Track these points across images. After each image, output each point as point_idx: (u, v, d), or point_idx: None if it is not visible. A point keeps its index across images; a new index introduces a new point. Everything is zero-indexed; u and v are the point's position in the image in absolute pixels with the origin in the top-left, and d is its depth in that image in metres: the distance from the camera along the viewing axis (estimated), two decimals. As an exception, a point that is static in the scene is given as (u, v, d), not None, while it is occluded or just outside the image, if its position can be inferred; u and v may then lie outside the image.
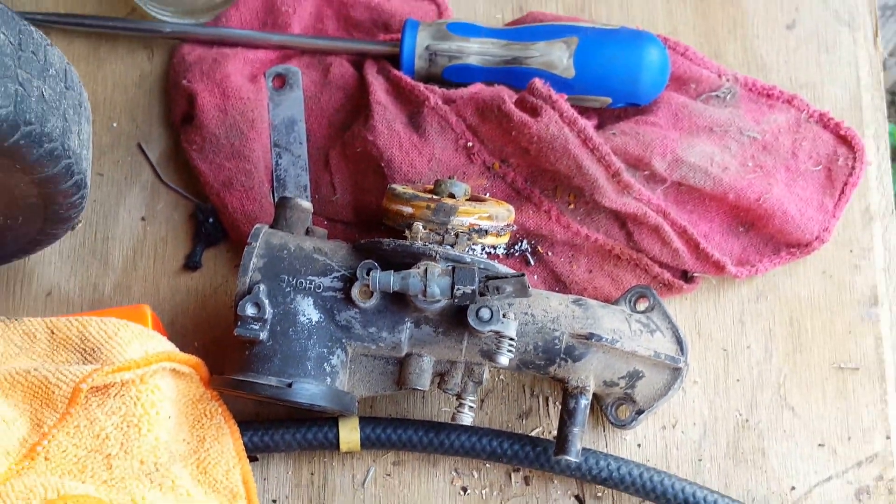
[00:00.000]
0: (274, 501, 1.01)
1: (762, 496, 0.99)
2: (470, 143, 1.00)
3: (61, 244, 1.02)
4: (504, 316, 0.89)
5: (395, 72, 1.03)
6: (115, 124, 1.07)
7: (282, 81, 1.05)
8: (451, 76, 1.03)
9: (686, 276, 1.02)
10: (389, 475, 1.01)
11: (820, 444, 1.00)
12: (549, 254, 1.01)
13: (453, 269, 0.89)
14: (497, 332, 0.89)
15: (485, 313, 0.88)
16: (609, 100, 1.01)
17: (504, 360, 0.90)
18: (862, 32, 1.08)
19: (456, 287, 0.88)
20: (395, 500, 1.00)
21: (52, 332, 0.94)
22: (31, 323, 0.95)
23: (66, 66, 0.86)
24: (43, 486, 0.85)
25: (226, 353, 0.96)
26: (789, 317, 1.03)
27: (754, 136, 1.01)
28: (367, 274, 0.90)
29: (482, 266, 0.89)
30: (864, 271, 1.03)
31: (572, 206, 1.00)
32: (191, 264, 1.05)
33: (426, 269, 0.89)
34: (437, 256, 0.89)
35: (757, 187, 1.00)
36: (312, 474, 1.01)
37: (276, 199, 1.02)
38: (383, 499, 1.00)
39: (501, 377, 1.02)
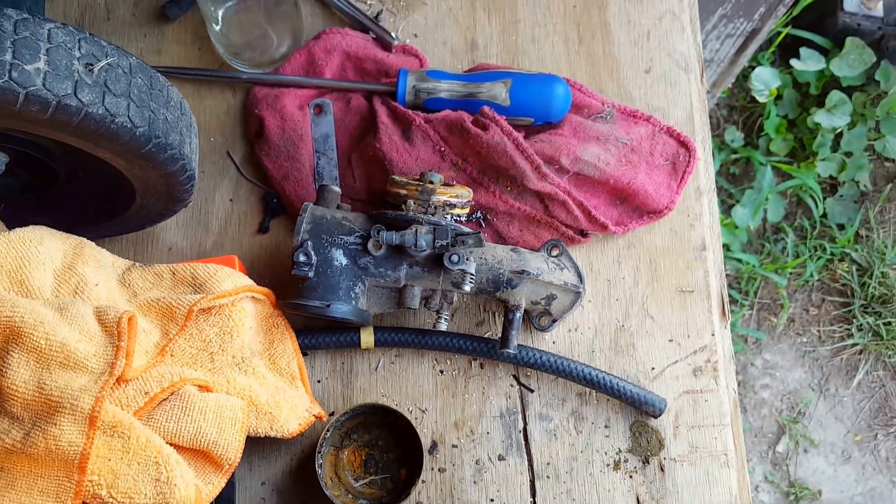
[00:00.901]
0: (318, 381, 1.02)
1: (633, 374, 1.01)
2: (442, 149, 1.02)
3: (178, 217, 1.03)
4: (467, 259, 0.92)
5: (393, 103, 1.04)
6: (212, 139, 1.08)
7: (319, 109, 1.06)
8: (430, 105, 1.03)
9: (583, 234, 1.03)
10: (393, 363, 1.02)
11: (670, 340, 1.02)
12: (495, 220, 1.03)
13: (434, 229, 0.91)
14: (463, 270, 0.92)
15: (454, 258, 0.91)
16: (532, 120, 1.02)
17: (467, 287, 0.93)
18: (694, 75, 1.09)
19: (436, 240, 0.91)
20: (397, 379, 1.02)
21: (174, 273, 0.96)
22: (159, 267, 0.97)
23: (181, 100, 0.87)
24: (170, 373, 0.87)
25: (285, 287, 0.99)
26: (649, 258, 1.04)
27: (625, 142, 1.02)
28: (378, 233, 0.92)
29: (453, 227, 0.91)
30: (696, 228, 1.05)
31: (509, 188, 1.01)
32: (262, 229, 1.06)
33: (416, 230, 0.91)
34: (423, 221, 0.92)
35: (628, 175, 1.01)
36: (343, 364, 1.03)
37: (317, 187, 1.03)
38: (389, 378, 1.02)
39: (465, 301, 1.03)
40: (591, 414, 1.01)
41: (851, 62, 1.92)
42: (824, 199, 2.00)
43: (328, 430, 0.96)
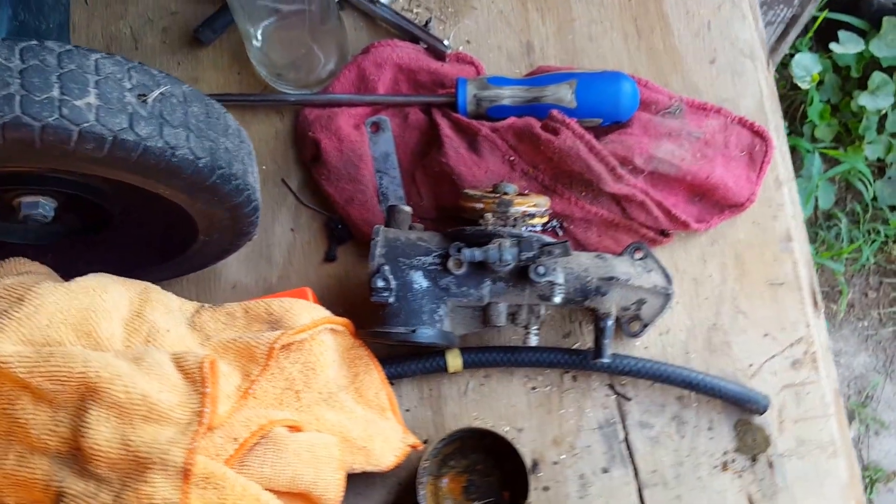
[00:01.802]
0: (408, 410, 0.99)
1: (731, 372, 0.98)
2: (512, 158, 0.98)
3: (238, 252, 0.99)
4: (553, 270, 0.88)
5: (455, 114, 1.00)
6: (263, 167, 1.04)
7: (377, 127, 1.03)
8: (493, 113, 1.00)
9: (664, 234, 1.00)
10: (482, 385, 0.99)
11: (765, 335, 0.99)
12: (572, 227, 0.99)
13: (519, 241, 0.88)
14: (551, 282, 0.88)
15: (541, 270, 0.87)
16: (600, 120, 0.99)
17: (557, 299, 0.89)
18: (760, 62, 1.05)
19: (522, 253, 0.87)
20: (488, 401, 0.99)
21: (247, 311, 0.92)
22: (230, 307, 0.93)
23: (238, 127, 0.84)
24: (257, 416, 0.83)
25: (362, 317, 0.94)
26: (735, 254, 1.01)
27: (698, 136, 0.99)
28: (458, 251, 0.88)
29: (537, 238, 0.88)
30: (779, 219, 1.01)
31: (584, 193, 0.97)
32: (329, 257, 1.02)
33: (500, 244, 0.87)
34: (504, 234, 0.88)
35: (705, 170, 0.98)
36: (431, 390, 0.99)
37: (383, 208, 1.00)
38: (480, 401, 0.99)
39: (551, 313, 1.00)
40: (692, 417, 0.97)
41: (890, 42, 1.89)
42: (873, 181, 1.97)
43: (426, 460, 0.92)
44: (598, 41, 1.07)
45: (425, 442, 0.97)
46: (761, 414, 0.96)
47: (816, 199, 1.98)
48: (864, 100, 1.88)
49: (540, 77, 1.01)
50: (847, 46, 1.88)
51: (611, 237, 0.99)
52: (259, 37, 1.01)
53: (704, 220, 1.00)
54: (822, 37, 2.05)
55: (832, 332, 2.01)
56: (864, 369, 2.07)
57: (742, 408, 0.96)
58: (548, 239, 0.89)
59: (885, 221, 2.00)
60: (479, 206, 0.91)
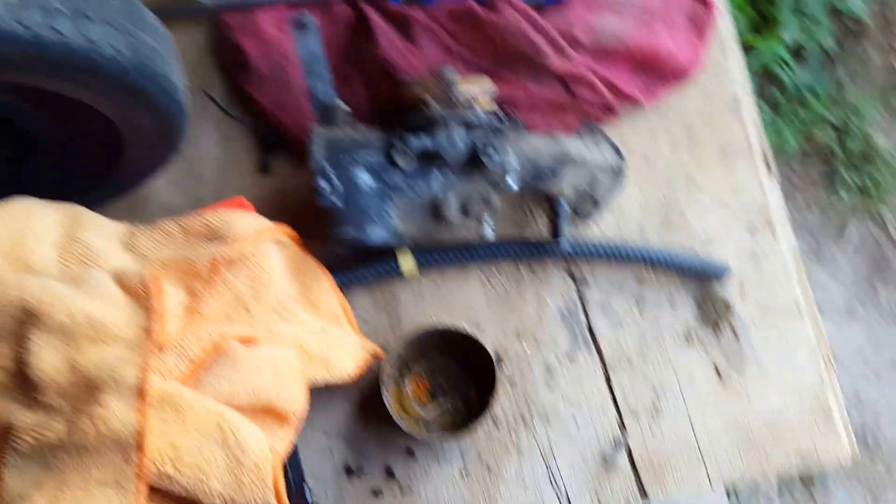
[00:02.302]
0: (363, 319, 0.95)
1: (689, 244, 0.97)
2: (449, 43, 0.94)
3: (167, 174, 0.94)
4: (506, 152, 0.86)
5: (384, 3, 0.96)
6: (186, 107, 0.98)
7: (301, 26, 0.96)
8: (425, 0, 0.95)
9: (611, 110, 0.97)
10: (438, 286, 0.96)
11: (719, 203, 0.98)
12: (516, 113, 0.95)
13: (466, 123, 0.84)
14: (503, 165, 0.85)
15: (492, 152, 0.85)
16: None
17: (511, 181, 0.86)
18: None
19: (472, 136, 0.84)
20: (445, 302, 0.96)
21: (183, 228, 0.86)
22: (165, 224, 0.87)
23: (160, 25, 0.78)
24: (208, 333, 0.78)
25: (305, 227, 0.91)
26: (684, 124, 0.99)
27: (638, 4, 0.97)
28: (405, 142, 0.85)
29: (485, 119, 0.85)
30: (726, 86, 1.00)
31: (527, 75, 0.95)
32: (263, 169, 0.98)
33: (448, 129, 0.84)
34: (449, 119, 0.85)
35: (648, 39, 0.96)
36: (385, 297, 0.96)
37: (316, 111, 0.94)
38: (437, 302, 0.96)
39: (502, 207, 0.96)
40: (652, 294, 0.96)
41: None
42: (792, 68, 1.99)
43: (387, 366, 0.89)
44: None
45: (384, 349, 0.94)
46: (721, 279, 0.95)
47: (738, 90, 1.99)
48: (776, -23, 1.88)
49: None
50: (760, -72, 1.88)
51: (557, 119, 0.96)
52: None
53: (650, 91, 0.98)
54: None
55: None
56: (794, 257, 2.08)
57: (701, 278, 0.95)
58: (498, 119, 0.86)
59: (806, 105, 2.02)
60: (421, 91, 0.87)
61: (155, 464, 0.72)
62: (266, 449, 0.76)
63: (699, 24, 0.99)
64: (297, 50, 0.96)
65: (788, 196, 2.05)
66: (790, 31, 1.92)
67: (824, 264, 2.05)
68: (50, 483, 0.70)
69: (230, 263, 0.84)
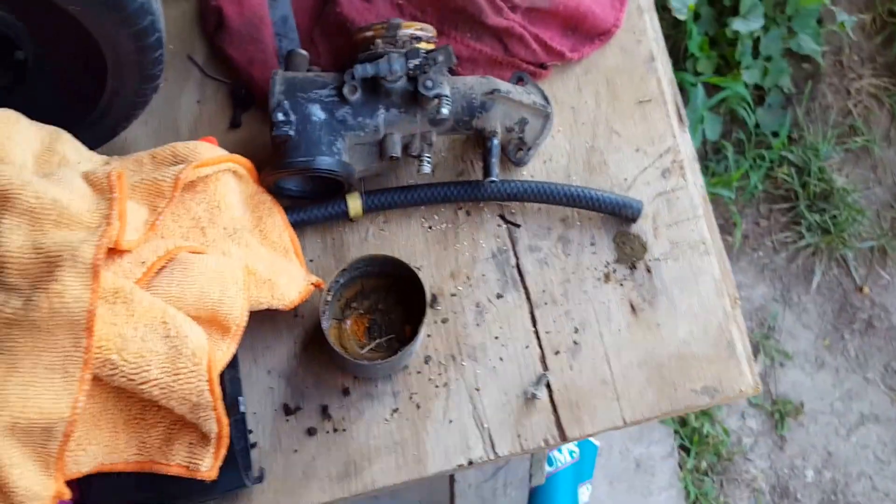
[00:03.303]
0: (311, 261, 1.03)
1: (609, 187, 1.04)
2: (400, 2, 1.05)
3: (146, 126, 1.05)
4: (441, 84, 0.94)
5: None
6: (171, 46, 1.10)
7: None
8: None
9: (543, 66, 1.07)
10: (382, 230, 1.04)
11: (636, 150, 1.06)
12: (459, 68, 1.05)
13: (406, 52, 0.94)
14: (439, 94, 0.94)
15: (429, 83, 0.94)
16: None
17: (446, 111, 0.95)
18: None
19: (409, 61, 0.94)
20: (388, 244, 1.04)
21: (153, 157, 0.96)
22: (138, 155, 0.97)
23: None
24: (164, 244, 0.87)
25: (264, 166, 1.00)
26: (606, 78, 1.09)
27: None
28: (352, 77, 0.95)
29: (421, 49, 0.95)
30: (643, 43, 1.10)
31: (468, 32, 1.05)
32: (235, 124, 1.08)
33: (388, 56, 0.94)
34: (391, 52, 0.95)
35: (575, 1, 1.07)
36: (332, 239, 1.04)
37: (281, 65, 1.06)
38: (380, 245, 1.04)
39: (443, 153, 1.06)
40: (576, 236, 1.03)
41: None
42: (754, 110, 2.08)
43: (329, 292, 0.96)
44: None
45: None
46: (636, 220, 1.02)
47: (704, 132, 2.08)
48: (737, 24, 2.00)
49: None
50: (716, -26, 2.01)
51: (495, 74, 1.05)
52: None
53: (578, 50, 1.08)
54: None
55: (731, 265, 2.04)
56: (763, 300, 2.11)
57: (619, 215, 1.02)
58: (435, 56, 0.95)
59: (769, 147, 2.10)
60: (370, 33, 0.97)
61: (102, 350, 0.79)
62: (204, 341, 0.84)
63: None
64: (269, 13, 1.08)
65: (758, 241, 2.10)
66: (751, 74, 2.03)
67: (793, 310, 2.07)
68: (1, 366, 0.77)
69: (191, 186, 0.93)
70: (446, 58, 0.94)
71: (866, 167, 2.11)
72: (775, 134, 2.12)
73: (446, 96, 0.94)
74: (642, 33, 1.10)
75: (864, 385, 2.04)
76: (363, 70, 0.93)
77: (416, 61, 0.93)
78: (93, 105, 0.97)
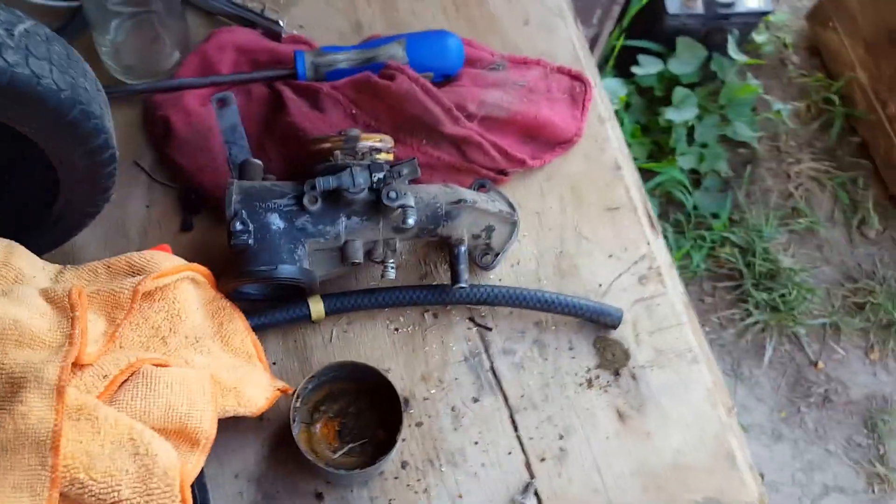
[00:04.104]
0: (274, 363, 1.04)
1: (583, 294, 1.08)
2: (354, 111, 1.09)
3: (95, 231, 1.05)
4: (405, 194, 0.98)
5: (296, 81, 1.12)
6: (117, 153, 1.09)
7: (223, 102, 1.13)
8: (331, 77, 1.12)
9: (503, 173, 1.12)
10: (346, 331, 1.06)
11: (609, 256, 1.10)
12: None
13: (369, 165, 0.98)
14: (403, 206, 0.98)
15: (392, 194, 0.98)
16: (431, 74, 1.11)
17: (411, 221, 0.98)
18: (569, 20, 1.24)
19: (373, 174, 0.97)
20: (353, 346, 1.05)
21: (108, 267, 0.97)
22: (92, 264, 0.98)
23: (94, 76, 0.91)
24: (126, 356, 0.88)
25: (219, 269, 1.00)
26: (570, 184, 1.14)
27: (523, 84, 1.14)
28: (312, 188, 0.97)
29: (384, 161, 0.99)
30: (606, 151, 1.16)
31: (425, 140, 1.09)
32: (185, 227, 1.09)
33: (351, 169, 0.98)
34: (353, 165, 0.97)
35: (532, 110, 1.12)
36: (295, 341, 1.05)
37: (234, 175, 1.08)
38: (345, 347, 1.05)
39: (405, 256, 1.09)
40: (552, 340, 1.07)
41: (686, 60, 2.13)
42: (692, 192, 2.14)
43: (297, 398, 0.98)
44: (420, 16, 1.24)
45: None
46: (616, 327, 1.06)
47: (641, 215, 2.13)
48: (670, 114, 2.09)
49: (372, 41, 1.15)
50: (647, 68, 2.10)
51: (454, 180, 1.10)
52: (111, 31, 1.11)
53: (539, 157, 1.14)
54: (624, 63, 2.26)
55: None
56: (714, 376, 2.15)
57: (598, 323, 1.06)
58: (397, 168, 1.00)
59: (709, 228, 2.16)
60: (328, 145, 1.01)
61: (69, 469, 0.79)
62: (174, 458, 0.84)
63: (577, 99, 1.17)
64: (218, 122, 1.09)
65: (703, 318, 2.17)
66: (686, 159, 2.10)
67: (746, 384, 2.13)
68: (-33, 488, 0.79)
69: (149, 295, 0.95)
70: (411, 171, 0.99)
71: (812, 247, 2.21)
72: (715, 215, 2.19)
73: (411, 206, 0.99)
74: (605, 142, 1.17)
75: (826, 456, 2.10)
76: (325, 183, 0.97)
77: (380, 175, 0.97)
78: (44, 215, 0.99)
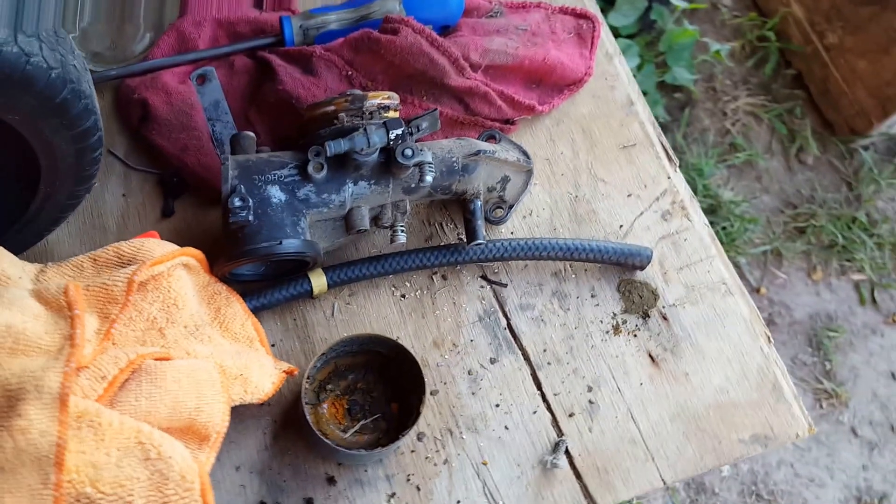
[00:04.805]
0: (273, 345, 0.96)
1: (602, 235, 1.01)
2: (349, 73, 1.00)
3: (69, 227, 0.98)
4: (421, 151, 0.89)
5: (284, 48, 1.03)
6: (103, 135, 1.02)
7: (203, 79, 1.04)
8: (321, 40, 1.03)
9: (509, 122, 1.04)
10: (349, 304, 0.98)
11: (628, 195, 1.03)
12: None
13: (385, 122, 0.89)
14: (420, 163, 0.89)
15: (408, 152, 0.89)
16: (430, 27, 1.02)
17: (429, 178, 0.90)
18: None
19: (390, 131, 0.88)
20: (357, 318, 0.98)
21: (94, 260, 0.89)
22: (76, 259, 0.90)
23: (81, 55, 0.83)
24: (125, 353, 0.79)
25: (212, 261, 0.93)
26: (581, 127, 1.05)
27: (525, 28, 1.05)
28: (317, 155, 0.89)
29: (400, 118, 0.90)
30: (617, 89, 1.08)
31: (426, 95, 1.01)
32: (167, 213, 1.01)
33: (365, 128, 0.88)
34: (364, 127, 0.89)
35: (540, 54, 1.03)
36: (295, 319, 0.97)
37: (219, 153, 1.00)
38: (349, 320, 0.97)
39: (408, 219, 0.99)
40: (572, 289, 0.99)
41: (625, 12, 2.08)
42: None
43: (308, 378, 0.90)
44: None
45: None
46: (644, 268, 0.98)
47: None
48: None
49: None
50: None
51: (458, 135, 1.01)
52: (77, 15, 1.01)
53: (547, 102, 1.05)
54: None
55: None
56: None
57: (624, 265, 0.98)
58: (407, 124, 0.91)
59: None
60: (331, 108, 0.91)
61: (74, 484, 0.71)
62: (190, 459, 0.76)
63: (585, 37, 1.08)
64: (199, 100, 1.02)
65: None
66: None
67: None
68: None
69: (142, 286, 0.86)
70: (431, 124, 0.90)
71: (751, 179, 2.22)
72: None
73: (429, 163, 0.90)
74: (615, 78, 1.09)
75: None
76: (336, 146, 0.87)
77: (398, 131, 0.88)
78: (21, 212, 0.91)
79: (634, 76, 1.92)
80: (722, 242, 2.02)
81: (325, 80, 1.00)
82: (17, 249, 0.93)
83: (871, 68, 2.06)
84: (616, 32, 2.10)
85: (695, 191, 2.06)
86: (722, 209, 2.10)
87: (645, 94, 2.05)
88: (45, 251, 0.99)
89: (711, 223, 2.02)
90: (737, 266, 2.10)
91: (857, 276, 2.13)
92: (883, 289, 2.13)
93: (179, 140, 1.01)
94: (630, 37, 2.14)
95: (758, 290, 2.10)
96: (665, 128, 2.14)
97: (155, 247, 0.88)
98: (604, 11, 2.01)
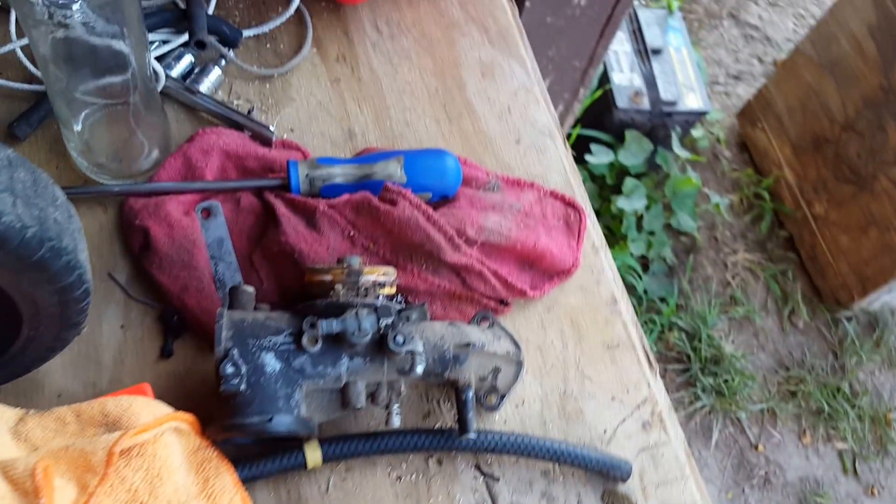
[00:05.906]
0: None
1: (588, 440, 0.98)
2: (352, 233, 0.96)
3: (62, 357, 0.88)
4: (412, 339, 0.86)
5: (289, 194, 0.98)
6: (91, 286, 0.95)
7: (208, 213, 0.97)
8: (326, 192, 0.98)
9: (503, 303, 1.01)
10: (344, 480, 0.92)
11: (612, 398, 1.00)
12: (416, 301, 0.97)
13: (377, 308, 0.85)
14: (411, 351, 0.86)
15: (399, 339, 0.84)
16: (430, 195, 1.00)
17: (419, 369, 0.86)
18: (559, 141, 1.14)
19: (381, 320, 0.84)
20: (352, 497, 0.91)
21: (79, 415, 0.80)
22: (59, 411, 0.80)
23: (66, 201, 0.76)
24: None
25: (207, 415, 0.86)
26: (570, 318, 1.03)
27: (518, 208, 1.03)
28: (313, 326, 0.84)
29: (391, 305, 0.86)
30: (602, 283, 1.06)
31: (425, 266, 0.97)
32: (165, 353, 0.93)
33: (356, 312, 0.84)
34: (357, 304, 0.85)
35: (531, 238, 1.01)
36: (288, 492, 0.90)
37: (221, 295, 0.94)
38: (343, 498, 0.91)
39: (407, 393, 0.97)
40: (560, 493, 0.95)
41: (634, 151, 2.11)
42: (642, 277, 2.13)
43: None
44: (413, 126, 1.11)
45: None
46: (625, 480, 0.96)
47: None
48: (621, 203, 2.06)
49: (368, 155, 1.01)
50: (599, 157, 2.07)
51: (455, 308, 0.98)
52: (80, 127, 0.94)
53: (538, 287, 1.03)
54: (577, 150, 2.23)
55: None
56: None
57: (607, 476, 0.96)
58: (402, 306, 0.87)
59: (659, 312, 2.15)
60: (328, 278, 0.88)
61: None
62: None
63: (573, 227, 1.07)
64: (203, 235, 0.96)
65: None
66: (637, 246, 2.09)
67: (696, 466, 2.12)
68: None
69: (126, 451, 0.78)
70: (420, 316, 0.86)
71: (749, 335, 2.25)
72: (663, 299, 2.18)
73: (419, 353, 0.86)
74: (601, 272, 1.07)
75: (773, 535, 2.08)
76: (328, 326, 0.83)
77: (388, 321, 0.85)
78: (3, 350, 0.82)
79: (643, 215, 1.97)
80: (724, 395, 2.05)
81: (329, 238, 0.95)
82: (3, 380, 0.85)
83: (853, 245, 2.11)
84: (626, 171, 2.12)
85: (699, 339, 2.07)
86: (724, 361, 2.12)
87: (653, 234, 2.08)
88: (36, 381, 0.90)
89: (715, 374, 2.04)
90: (737, 421, 2.11)
91: (840, 445, 2.18)
92: (863, 460, 2.17)
93: (180, 278, 0.93)
94: (638, 176, 2.17)
95: (756, 448, 2.12)
96: (672, 269, 2.16)
97: (142, 409, 0.80)
98: (614, 148, 2.06)
